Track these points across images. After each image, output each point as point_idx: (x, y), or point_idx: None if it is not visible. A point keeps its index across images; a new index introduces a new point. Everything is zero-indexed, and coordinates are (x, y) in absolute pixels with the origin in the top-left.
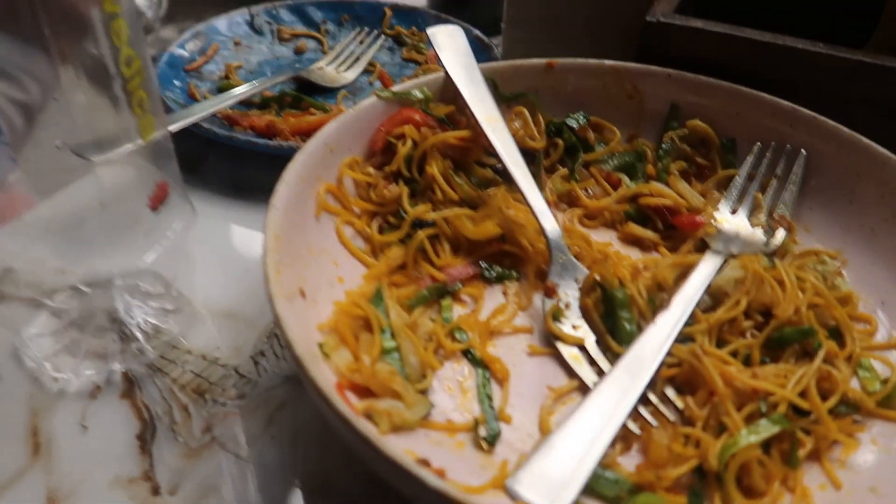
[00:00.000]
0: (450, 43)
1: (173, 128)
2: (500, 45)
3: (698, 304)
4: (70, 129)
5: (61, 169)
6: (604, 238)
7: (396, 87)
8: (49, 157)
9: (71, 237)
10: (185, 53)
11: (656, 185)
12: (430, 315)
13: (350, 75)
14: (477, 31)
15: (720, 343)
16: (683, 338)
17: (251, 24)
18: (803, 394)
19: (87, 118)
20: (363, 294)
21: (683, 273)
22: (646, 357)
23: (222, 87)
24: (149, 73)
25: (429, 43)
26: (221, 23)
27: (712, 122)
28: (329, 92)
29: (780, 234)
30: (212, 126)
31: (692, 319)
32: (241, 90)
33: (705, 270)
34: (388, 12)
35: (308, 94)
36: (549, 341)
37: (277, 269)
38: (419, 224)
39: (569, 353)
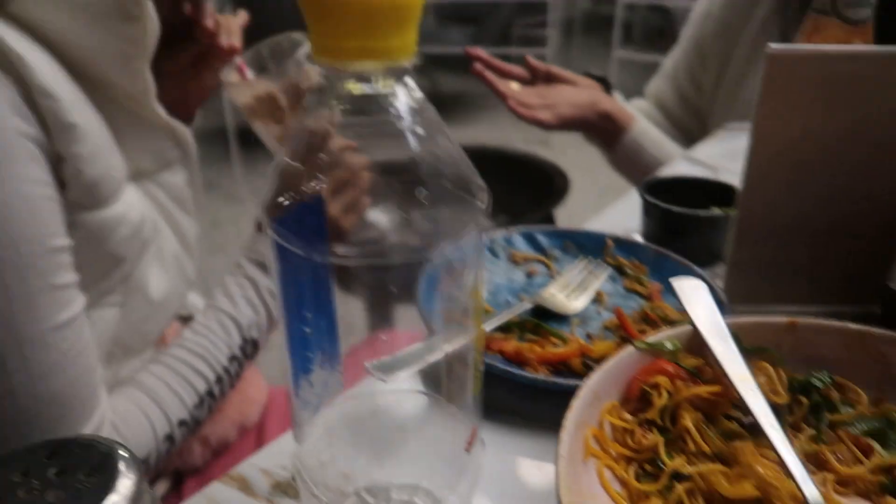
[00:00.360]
0: (695, 297)
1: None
2: (716, 278)
3: None
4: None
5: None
6: None
7: (650, 339)
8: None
9: (365, 446)
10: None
11: None
12: None
13: (579, 304)
14: (697, 268)
15: None
16: None
17: (490, 249)
18: None
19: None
20: None
21: None
22: None
23: None
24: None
25: (651, 276)
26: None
27: None
28: (562, 318)
29: None
30: None
31: None
32: (500, 318)
33: None
34: (610, 243)
35: (543, 318)
36: None
37: None
38: (675, 475)
39: None
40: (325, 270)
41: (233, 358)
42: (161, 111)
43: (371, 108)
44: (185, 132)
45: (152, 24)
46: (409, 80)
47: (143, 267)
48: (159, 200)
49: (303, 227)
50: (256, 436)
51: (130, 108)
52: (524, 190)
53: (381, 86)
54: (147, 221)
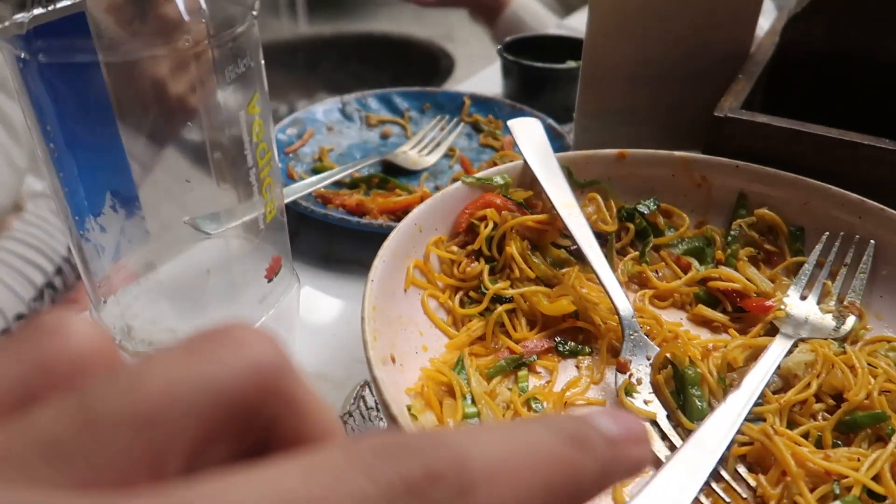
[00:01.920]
0: (528, 134)
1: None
2: (571, 133)
3: (768, 385)
4: (200, 208)
5: (184, 240)
6: (674, 319)
7: (479, 174)
8: (174, 231)
9: (186, 300)
10: (284, 137)
11: (725, 270)
12: (508, 385)
13: (431, 159)
14: (550, 121)
15: (791, 425)
16: (754, 417)
17: (343, 112)
18: (877, 478)
19: (219, 200)
20: (446, 362)
21: (753, 355)
22: (717, 434)
23: (317, 169)
24: (275, 162)
25: (504, 130)
26: (317, 110)
27: (780, 211)
28: (412, 174)
29: (851, 321)
30: (308, 203)
31: (762, 400)
32: (334, 172)
33: (775, 352)
34: (467, 101)
35: (393, 175)
36: None
37: (374, 336)
38: (498, 299)
39: None
40: (101, 101)
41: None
42: None
43: None
44: None
45: None
46: None
47: None
48: None
49: (67, 38)
50: None
51: None
52: (411, 74)
53: None
54: None
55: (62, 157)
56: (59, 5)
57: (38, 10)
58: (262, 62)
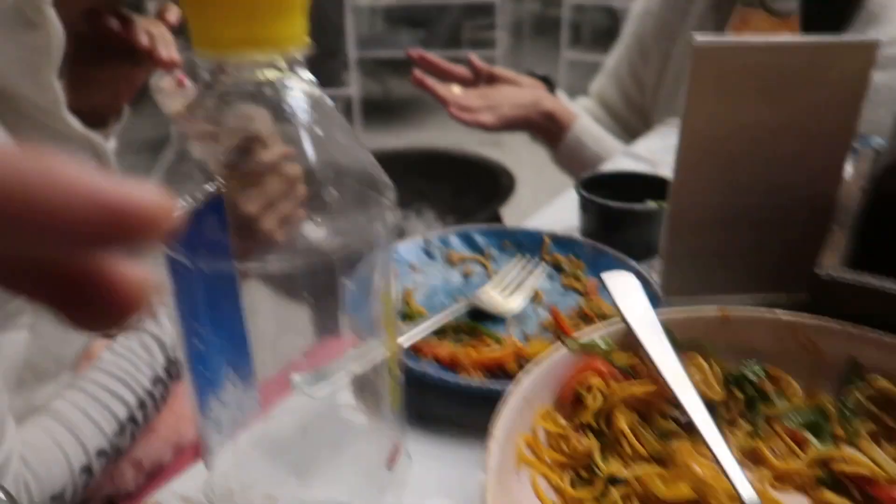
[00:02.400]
0: (626, 291)
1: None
2: (652, 270)
3: None
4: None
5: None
6: (797, 503)
7: (582, 339)
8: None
9: (288, 465)
10: None
11: (849, 452)
12: None
13: (516, 304)
14: (640, 268)
15: None
16: None
17: (425, 250)
18: None
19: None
20: None
21: None
22: None
23: (405, 314)
24: (398, 346)
25: (588, 272)
26: (401, 248)
27: None
28: (499, 318)
29: None
30: (404, 358)
31: None
32: (432, 322)
33: None
34: (547, 240)
35: (479, 319)
36: None
37: None
38: (611, 480)
39: None
40: (229, 280)
41: (157, 380)
42: (74, 122)
43: (264, 106)
44: (102, 143)
45: (56, 31)
46: (305, 73)
47: None
48: None
49: (200, 234)
50: (195, 455)
51: (41, 121)
52: (472, 190)
53: (269, 78)
54: None
55: (206, 352)
56: (199, 195)
57: (181, 204)
58: (392, 277)
